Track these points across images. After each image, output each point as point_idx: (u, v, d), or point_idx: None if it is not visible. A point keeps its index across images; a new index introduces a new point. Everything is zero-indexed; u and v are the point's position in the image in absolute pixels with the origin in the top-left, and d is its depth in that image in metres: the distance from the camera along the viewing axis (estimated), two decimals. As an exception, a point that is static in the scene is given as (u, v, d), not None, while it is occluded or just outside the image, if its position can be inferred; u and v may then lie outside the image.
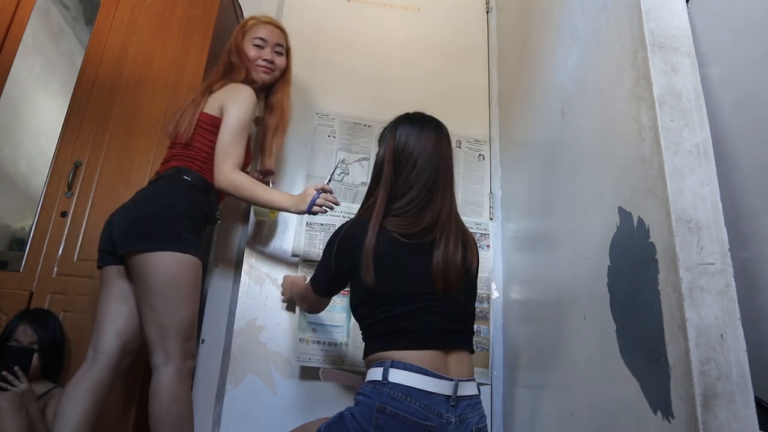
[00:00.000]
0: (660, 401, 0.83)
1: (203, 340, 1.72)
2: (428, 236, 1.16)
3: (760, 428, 0.75)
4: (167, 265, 1.27)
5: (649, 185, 0.92)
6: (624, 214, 1.00)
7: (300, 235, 1.78)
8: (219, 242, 1.87)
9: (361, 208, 1.27)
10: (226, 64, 1.59)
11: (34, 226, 1.67)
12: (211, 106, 1.48)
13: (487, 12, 2.27)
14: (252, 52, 1.59)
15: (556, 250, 1.36)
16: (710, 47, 1.05)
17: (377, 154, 1.27)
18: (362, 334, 1.20)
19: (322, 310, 1.46)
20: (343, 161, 1.87)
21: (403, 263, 1.14)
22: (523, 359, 1.60)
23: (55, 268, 1.61)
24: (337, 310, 1.69)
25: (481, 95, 2.13)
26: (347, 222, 1.23)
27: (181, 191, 1.37)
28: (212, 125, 1.46)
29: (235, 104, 1.45)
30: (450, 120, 2.02)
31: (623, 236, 1.00)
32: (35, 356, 1.40)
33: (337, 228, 1.24)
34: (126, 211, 1.35)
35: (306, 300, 1.40)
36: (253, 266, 1.76)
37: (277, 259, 1.77)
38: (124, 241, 1.30)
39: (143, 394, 1.49)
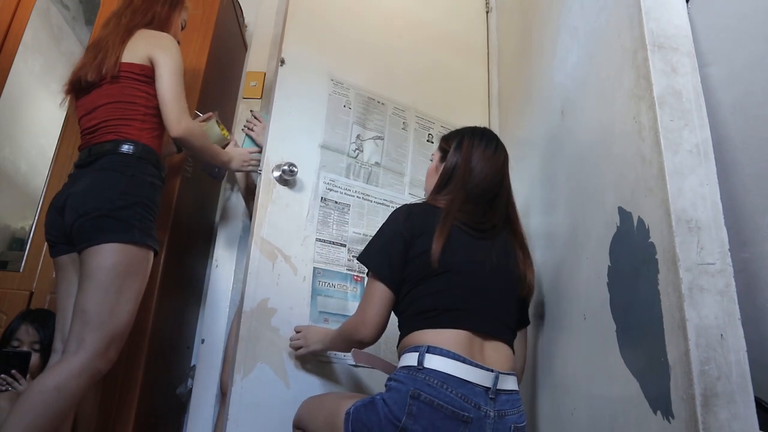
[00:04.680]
0: (660, 401, 0.83)
1: (203, 340, 1.72)
2: (488, 233, 1.17)
3: (760, 428, 0.75)
4: (108, 253, 1.21)
5: (649, 185, 0.92)
6: (624, 214, 1.00)
7: (314, 210, 1.62)
8: (220, 230, 1.84)
9: (430, 197, 1.25)
10: (158, 16, 1.48)
11: (34, 226, 1.67)
12: (133, 55, 1.37)
13: (487, 12, 2.27)
14: (179, 29, 1.57)
15: (556, 249, 1.36)
16: (710, 47, 1.05)
17: (449, 159, 1.25)
18: (399, 318, 1.14)
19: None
20: (358, 137, 1.79)
21: (461, 245, 1.12)
22: (523, 359, 1.59)
23: (55, 268, 1.61)
24: (350, 299, 1.64)
25: (481, 94, 2.13)
26: (411, 203, 1.22)
27: (130, 174, 1.29)
28: (144, 75, 1.36)
29: (167, 54, 1.37)
30: (450, 118, 2.04)
31: (623, 236, 1.00)
32: (37, 356, 1.40)
33: (397, 208, 1.22)
34: (76, 203, 1.27)
35: (355, 336, 1.17)
36: (264, 239, 1.50)
37: (290, 233, 1.56)
38: (77, 238, 1.25)
39: (142, 394, 1.49)
